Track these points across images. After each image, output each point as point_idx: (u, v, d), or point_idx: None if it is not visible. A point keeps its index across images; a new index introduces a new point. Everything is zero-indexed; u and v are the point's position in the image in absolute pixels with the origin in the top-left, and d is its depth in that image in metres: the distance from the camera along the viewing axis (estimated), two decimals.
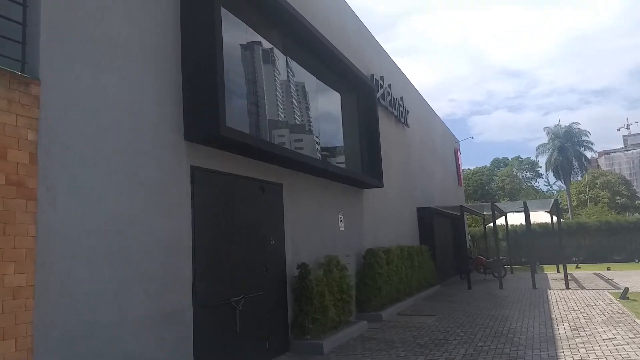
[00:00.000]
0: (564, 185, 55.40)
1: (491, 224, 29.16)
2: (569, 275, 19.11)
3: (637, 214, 47.52)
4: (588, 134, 48.13)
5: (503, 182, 72.25)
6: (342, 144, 11.27)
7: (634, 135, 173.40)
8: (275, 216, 7.52)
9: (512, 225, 28.64)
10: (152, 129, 5.17)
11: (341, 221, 10.08)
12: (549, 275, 19.70)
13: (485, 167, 79.83)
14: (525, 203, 15.73)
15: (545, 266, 24.57)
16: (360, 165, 11.56)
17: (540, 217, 27.11)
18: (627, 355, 6.29)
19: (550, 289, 14.81)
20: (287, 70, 8.79)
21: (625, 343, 7.00)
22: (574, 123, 49.32)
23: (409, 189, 15.97)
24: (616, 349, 6.67)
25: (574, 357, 6.39)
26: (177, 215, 5.39)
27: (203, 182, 5.93)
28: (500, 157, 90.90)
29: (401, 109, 15.40)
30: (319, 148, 9.90)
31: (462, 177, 28.53)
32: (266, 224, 7.20)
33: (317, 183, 9.17)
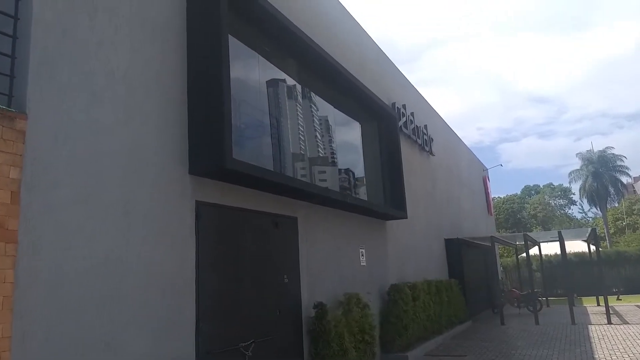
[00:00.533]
0: (599, 212, 53.22)
1: (524, 254, 28.05)
2: (610, 309, 17.93)
3: None
4: (623, 158, 46.37)
5: (535, 209, 70.09)
6: (363, 175, 10.86)
7: None
8: (290, 252, 7.10)
9: (546, 255, 27.36)
10: (153, 162, 4.89)
11: (362, 255, 9.57)
12: (588, 309, 18.47)
13: (516, 195, 77.71)
14: (560, 232, 14.86)
15: (583, 298, 23.21)
16: (382, 196, 11.09)
17: (576, 246, 25.81)
18: None
19: (590, 324, 13.77)
20: (311, 106, 8.66)
21: None
22: (607, 147, 47.66)
23: (435, 219, 15.34)
24: None
25: None
26: (179, 253, 5.03)
27: (209, 218, 5.59)
28: (532, 185, 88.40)
29: (425, 137, 14.94)
30: (346, 179, 9.54)
31: (492, 205, 27.57)
32: (280, 260, 6.77)
33: (335, 215, 8.73)
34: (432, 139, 15.73)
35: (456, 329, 13.33)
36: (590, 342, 10.62)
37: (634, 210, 65.38)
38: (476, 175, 23.99)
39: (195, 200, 5.40)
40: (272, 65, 7.56)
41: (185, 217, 5.21)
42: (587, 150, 49.29)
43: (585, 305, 20.30)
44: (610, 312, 16.77)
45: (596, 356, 8.93)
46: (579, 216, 71.09)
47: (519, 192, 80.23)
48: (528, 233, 15.37)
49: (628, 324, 13.37)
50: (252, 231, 6.34)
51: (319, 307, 7.13)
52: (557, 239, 19.07)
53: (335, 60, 8.67)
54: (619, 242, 47.05)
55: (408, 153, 13.50)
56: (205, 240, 5.44)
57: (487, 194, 26.05)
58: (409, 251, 12.47)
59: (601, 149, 48.21)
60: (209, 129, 5.30)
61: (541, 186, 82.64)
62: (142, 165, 4.74)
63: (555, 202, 77.52)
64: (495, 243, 17.52)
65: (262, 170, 5.99)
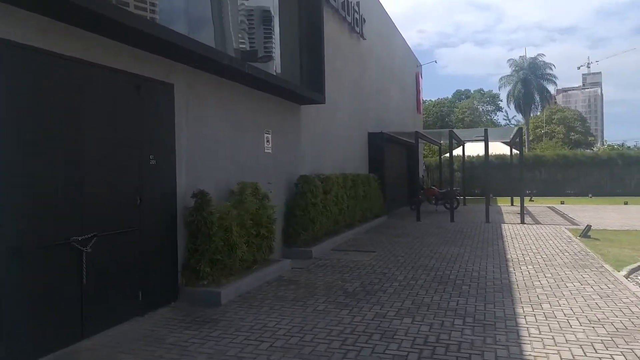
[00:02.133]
0: (521, 120, 55.07)
1: (447, 154, 28.26)
2: (525, 210, 18.42)
3: (589, 150, 47.96)
4: (552, 66, 47.02)
5: (463, 114, 71.68)
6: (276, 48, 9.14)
7: (593, 74, 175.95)
8: (161, 128, 5.55)
9: (468, 156, 27.71)
10: None
11: (268, 142, 8.22)
12: (502, 208, 18.89)
13: (446, 98, 78.89)
14: (486, 130, 14.28)
15: (498, 198, 23.98)
16: (298, 76, 9.55)
17: (497, 148, 26.17)
18: (604, 316, 4.98)
19: (504, 223, 13.80)
20: None
21: (598, 297, 5.72)
22: (539, 55, 47.92)
23: (360, 111, 14.15)
24: (588, 305, 5.37)
25: (537, 316, 5.04)
26: None
27: (20, 66, 3.86)
28: (463, 89, 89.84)
29: (356, 15, 13.17)
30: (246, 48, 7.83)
31: (421, 104, 26.89)
32: (143, 137, 5.24)
33: (234, 90, 7.17)
34: (365, 20, 14.00)
35: (370, 224, 12.82)
36: (503, 241, 10.39)
37: (553, 119, 68.80)
38: (409, 71, 22.79)
39: None
40: None
41: None
42: (520, 57, 49.43)
43: (500, 205, 20.83)
44: (524, 212, 17.19)
45: (508, 256, 8.56)
46: (503, 123, 73.82)
47: (450, 96, 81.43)
48: (454, 130, 14.72)
49: (540, 224, 13.49)
50: (99, 94, 4.68)
51: (199, 196, 5.83)
52: (482, 138, 18.80)
53: None
54: (535, 149, 49.40)
55: (335, 31, 11.80)
56: (12, 96, 3.77)
57: (418, 91, 25.16)
58: (328, 142, 11.31)
59: (533, 56, 48.45)
60: None
61: (472, 91, 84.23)
62: None
63: (483, 107, 79.70)
64: (420, 140, 16.82)
65: (101, 3, 4.19)
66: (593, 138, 73.95)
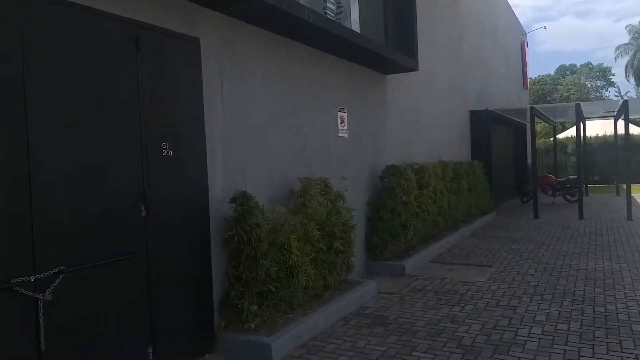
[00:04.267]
0: (634, 96, 47.55)
1: (561, 135, 24.34)
2: None
3: None
4: None
5: (569, 91, 64.41)
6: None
7: None
8: (180, 102, 3.78)
9: (574, 137, 23.59)
10: None
11: (343, 122, 6.24)
12: (638, 199, 15.30)
13: (549, 75, 71.53)
14: (626, 102, 11.10)
15: (624, 186, 19.92)
16: (382, 35, 7.44)
17: (620, 128, 21.87)
18: None
19: None
20: None
21: None
22: None
23: (460, 84, 11.66)
24: None
25: None
26: None
27: None
28: (567, 65, 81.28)
29: None
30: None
31: (527, 78, 23.26)
32: (148, 116, 3.50)
33: (293, 52, 5.26)
34: None
35: (476, 223, 10.40)
36: None
37: None
38: (513, 39, 19.51)
39: None
40: None
41: None
42: (639, 21, 42.49)
43: (632, 194, 17.08)
44: None
45: None
46: (615, 99, 65.31)
47: (552, 73, 73.77)
48: (582, 103, 11.66)
49: None
50: (62, 48, 2.98)
51: (240, 200, 4.00)
52: (612, 114, 15.34)
53: None
54: None
55: None
56: None
57: (524, 62, 21.67)
58: (421, 122, 9.08)
59: None
60: None
61: (578, 66, 75.73)
62: None
63: (592, 83, 71.30)
64: (536, 118, 13.81)
65: None
66: None
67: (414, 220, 7.15)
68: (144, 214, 3.40)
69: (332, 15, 6.40)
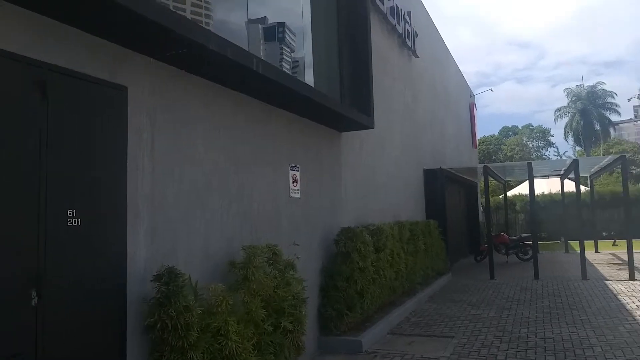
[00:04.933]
0: (572, 156, 50.56)
1: (509, 193, 24.86)
2: (616, 257, 15.00)
3: None
4: (614, 95, 43.11)
5: (512, 151, 67.79)
6: (305, 58, 6.84)
7: None
8: (96, 159, 3.15)
9: (522, 195, 24.27)
10: None
11: (295, 182, 5.73)
12: (588, 257, 15.44)
13: (493, 135, 75.24)
14: (576, 161, 11.28)
15: (572, 242, 20.34)
16: (338, 92, 7.15)
17: (556, 185, 22.60)
18: None
19: (607, 280, 10.59)
20: None
21: None
22: (598, 82, 44.23)
23: (414, 144, 11.56)
24: None
25: None
26: None
27: None
28: (510, 126, 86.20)
29: (408, 27, 10.82)
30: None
31: (476, 138, 23.95)
32: (57, 174, 2.84)
33: (241, 106, 4.77)
34: (417, 34, 11.63)
35: (434, 286, 9.95)
36: (629, 311, 7.33)
37: (612, 152, 63.66)
38: (463, 101, 20.14)
39: None
40: None
41: None
42: (577, 85, 45.85)
43: (579, 250, 17.33)
44: (619, 261, 13.82)
45: None
46: (563, 159, 69.06)
47: (496, 134, 77.61)
48: (533, 162, 11.83)
49: None
50: None
51: (165, 278, 3.31)
52: (559, 172, 15.74)
53: None
54: (595, 184, 44.75)
55: (383, 44, 9.44)
56: None
57: (472, 123, 22.36)
58: (377, 181, 8.73)
59: (592, 84, 44.79)
60: None
61: (520, 127, 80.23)
62: None
63: (533, 143, 75.38)
64: (489, 176, 13.86)
65: None
66: None
67: (371, 288, 6.59)
68: (35, 301, 2.66)
69: (288, 69, 6.05)
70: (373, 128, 7.20)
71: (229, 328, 3.63)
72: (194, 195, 3.99)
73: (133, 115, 3.44)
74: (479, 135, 27.37)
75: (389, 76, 9.76)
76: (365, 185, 8.14)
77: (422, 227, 9.88)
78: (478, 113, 23.93)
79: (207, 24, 4.70)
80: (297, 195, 5.74)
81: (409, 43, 10.88)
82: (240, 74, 4.26)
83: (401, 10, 10.22)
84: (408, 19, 10.82)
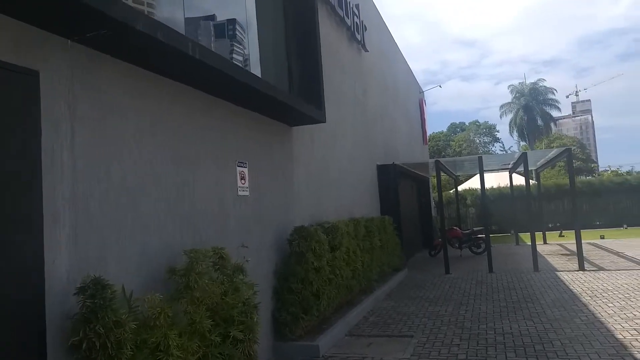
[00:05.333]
0: (517, 151, 52.71)
1: (460, 188, 25.34)
2: (564, 248, 15.48)
3: (593, 177, 45.30)
4: (555, 91, 45.13)
5: (460, 147, 69.89)
6: (251, 53, 6.48)
7: (582, 101, 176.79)
8: (3, 153, 2.68)
9: (472, 189, 24.88)
10: None
11: (243, 179, 5.35)
12: (538, 248, 15.87)
13: (442, 132, 77.30)
14: (525, 154, 11.49)
15: (522, 235, 20.96)
16: (287, 85, 6.82)
17: (504, 179, 23.30)
18: None
19: (558, 270, 10.82)
20: None
21: None
22: (539, 80, 46.19)
23: (367, 139, 11.40)
24: None
25: None
26: None
27: None
28: (457, 122, 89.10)
29: (357, 20, 10.63)
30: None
31: (427, 134, 24.26)
32: None
33: (180, 96, 4.35)
34: (366, 28, 11.47)
35: (390, 283, 9.81)
36: (583, 303, 7.42)
37: (552, 147, 66.81)
38: (413, 97, 20.30)
39: None
40: None
41: None
42: (520, 82, 47.67)
43: (528, 242, 17.84)
44: (567, 252, 14.26)
45: (619, 336, 5.60)
46: (512, 153, 71.68)
47: (444, 130, 79.70)
48: (483, 156, 11.96)
49: (605, 269, 10.53)
50: None
51: (91, 290, 2.87)
52: (508, 167, 16.10)
53: None
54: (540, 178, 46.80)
55: (332, 36, 9.19)
56: None
57: (422, 119, 22.62)
58: (330, 177, 8.46)
59: (533, 81, 46.66)
60: None
61: (467, 124, 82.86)
62: None
63: (480, 139, 77.95)
64: (440, 171, 13.93)
65: None
66: (595, 164, 71.98)
67: (328, 288, 6.30)
68: None
69: (241, 60, 5.69)
70: (325, 122, 6.92)
71: (170, 342, 3.23)
72: (125, 195, 3.54)
73: (48, 104, 2.97)
74: (429, 132, 27.77)
75: (339, 69, 9.53)
76: (319, 181, 7.86)
77: (377, 224, 9.71)
78: (427, 110, 24.24)
79: (150, 14, 4.29)
80: (246, 193, 5.36)
81: (358, 36, 10.70)
82: (176, 61, 3.85)
83: (349, 2, 10.01)
84: (357, 12, 10.63)
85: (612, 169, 59.82)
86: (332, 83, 8.87)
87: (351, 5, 10.15)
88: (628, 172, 39.71)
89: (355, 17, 10.46)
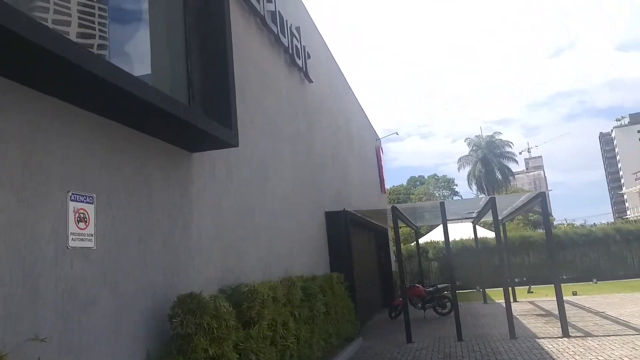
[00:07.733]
0: (482, 196, 52.68)
1: (421, 240, 23.74)
2: (537, 307, 13.83)
3: (555, 229, 45.07)
4: (511, 144, 45.48)
5: (420, 200, 69.74)
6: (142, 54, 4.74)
7: (534, 158, 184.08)
8: None
9: (434, 242, 23.38)
10: None
11: (84, 220, 3.39)
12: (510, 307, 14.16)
13: (402, 185, 77.40)
14: (493, 199, 9.98)
15: (489, 291, 19.27)
16: (185, 96, 5.02)
17: (467, 232, 21.92)
18: None
19: (539, 338, 9.05)
20: None
21: None
22: (495, 133, 46.65)
23: (312, 180, 9.66)
24: None
25: None
26: None
27: None
28: (417, 176, 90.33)
29: (297, 43, 9.14)
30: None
31: (384, 182, 22.84)
32: None
33: None
34: (310, 56, 10.00)
35: (340, 358, 7.76)
36: None
37: None
38: (369, 142, 18.99)
39: None
40: None
41: None
42: (476, 135, 48.02)
43: (499, 300, 16.14)
44: (543, 312, 12.62)
45: None
46: (479, 197, 71.93)
47: (404, 184, 79.86)
48: (445, 202, 10.47)
49: (593, 335, 8.84)
50: None
51: None
52: (473, 216, 14.65)
53: None
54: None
55: (263, 54, 7.60)
56: None
57: (380, 167, 21.28)
58: (256, 224, 6.55)
59: (490, 134, 47.06)
60: None
61: (426, 177, 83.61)
62: None
63: (439, 192, 78.22)
64: (398, 220, 12.24)
65: None
66: (552, 218, 72.98)
67: None
68: None
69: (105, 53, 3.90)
70: (237, 146, 5.09)
71: None
72: None
73: None
74: (388, 185, 26.60)
75: (274, 95, 7.88)
76: (237, 229, 5.94)
77: (320, 283, 7.77)
78: (386, 166, 23.11)
79: None
80: (88, 243, 3.39)
81: (299, 62, 9.18)
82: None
83: (286, 21, 8.53)
84: (297, 35, 9.16)
85: (568, 222, 60.48)
86: (263, 108, 7.19)
87: (289, 25, 8.67)
88: (590, 225, 39.46)
89: (294, 39, 8.98)
